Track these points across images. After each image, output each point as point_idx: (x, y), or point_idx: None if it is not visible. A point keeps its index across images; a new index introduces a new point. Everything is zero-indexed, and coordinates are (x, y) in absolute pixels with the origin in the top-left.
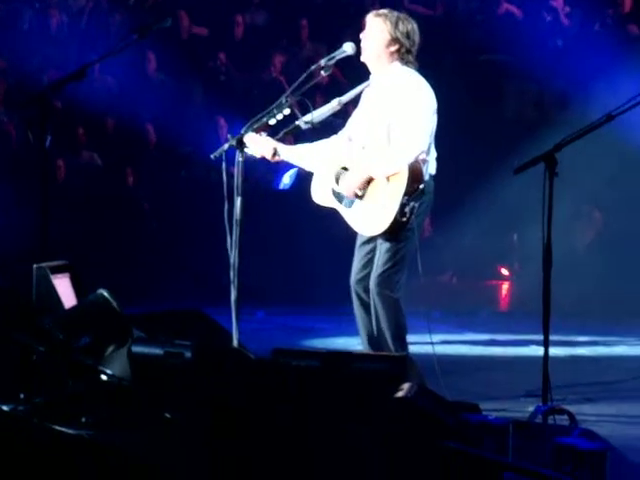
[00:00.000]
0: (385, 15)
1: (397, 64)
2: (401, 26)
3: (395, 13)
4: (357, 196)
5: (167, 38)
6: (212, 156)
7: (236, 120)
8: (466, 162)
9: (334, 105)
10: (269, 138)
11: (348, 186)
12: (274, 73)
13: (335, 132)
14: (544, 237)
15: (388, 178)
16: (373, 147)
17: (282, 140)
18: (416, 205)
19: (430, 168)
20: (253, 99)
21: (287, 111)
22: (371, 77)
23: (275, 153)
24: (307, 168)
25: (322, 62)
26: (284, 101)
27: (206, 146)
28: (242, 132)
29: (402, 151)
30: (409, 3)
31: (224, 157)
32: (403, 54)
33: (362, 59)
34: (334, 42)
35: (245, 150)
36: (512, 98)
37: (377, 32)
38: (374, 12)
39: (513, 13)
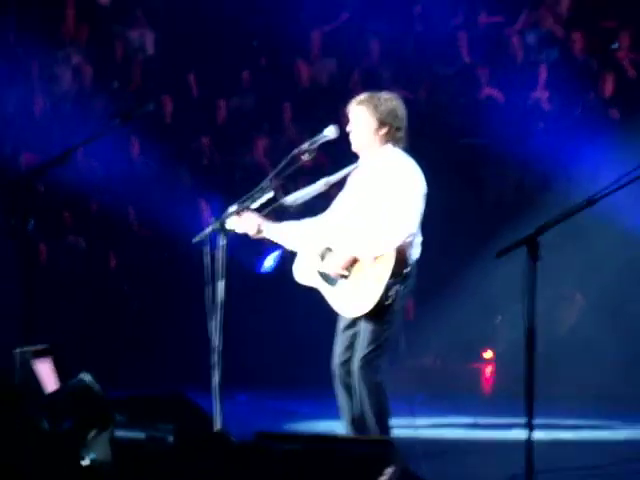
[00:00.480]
0: (367, 101)
1: (389, 146)
2: (385, 107)
3: (376, 95)
4: (342, 276)
5: (151, 122)
6: (194, 240)
7: (219, 203)
8: (448, 246)
9: (320, 186)
10: (253, 214)
11: (333, 265)
12: (257, 156)
13: (318, 213)
14: (526, 320)
15: (374, 259)
16: (360, 228)
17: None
18: (400, 288)
19: (415, 252)
20: (236, 182)
21: (270, 195)
22: (360, 159)
23: (259, 230)
24: (290, 247)
25: (304, 146)
26: (267, 185)
27: (189, 229)
28: (225, 215)
29: (392, 233)
30: (391, 85)
31: (207, 240)
32: (393, 134)
33: (354, 149)
34: (318, 125)
35: (227, 226)
36: (493, 181)
37: (363, 121)
38: (355, 100)
39: (494, 97)
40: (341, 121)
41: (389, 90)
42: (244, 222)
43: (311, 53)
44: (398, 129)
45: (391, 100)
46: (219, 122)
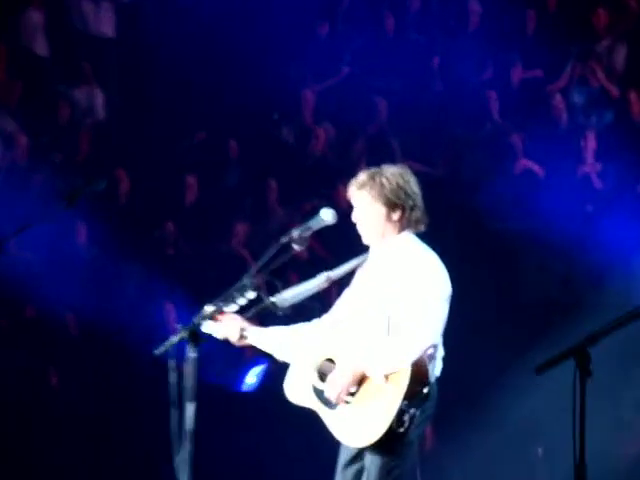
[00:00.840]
0: (368, 183)
1: (406, 234)
2: (392, 185)
3: (379, 172)
4: (346, 400)
5: (101, 204)
6: (156, 352)
7: (187, 305)
8: (476, 358)
9: (319, 283)
10: (236, 315)
11: (335, 385)
12: (235, 245)
13: (314, 316)
14: (575, 452)
15: (386, 377)
16: (369, 337)
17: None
18: (417, 412)
19: (435, 368)
20: (209, 278)
21: (252, 295)
22: (371, 249)
23: (242, 335)
24: (280, 357)
25: (294, 233)
26: (248, 281)
27: (150, 338)
28: (194, 321)
29: (408, 344)
30: (402, 156)
31: (173, 352)
32: (409, 216)
33: (365, 242)
34: (311, 207)
35: (203, 329)
36: (532, 277)
37: (369, 208)
38: (355, 184)
39: (533, 171)
40: (341, 201)
41: (400, 162)
42: (224, 326)
43: (304, 117)
44: (413, 208)
45: (399, 175)
46: (188, 203)
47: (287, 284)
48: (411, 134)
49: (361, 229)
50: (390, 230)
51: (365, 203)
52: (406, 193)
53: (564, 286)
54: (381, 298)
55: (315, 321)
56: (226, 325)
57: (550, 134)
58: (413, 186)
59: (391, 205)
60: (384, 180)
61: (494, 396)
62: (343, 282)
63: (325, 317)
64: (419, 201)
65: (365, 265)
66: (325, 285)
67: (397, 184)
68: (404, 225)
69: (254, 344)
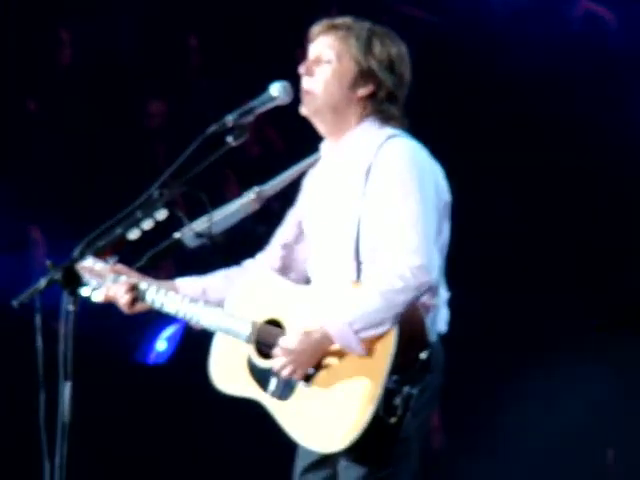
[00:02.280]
0: (348, 27)
1: (369, 123)
2: (379, 48)
3: (370, 25)
4: (304, 378)
5: None
6: (15, 303)
7: (64, 232)
8: (502, 301)
9: (248, 200)
10: (124, 267)
11: (288, 357)
12: (148, 131)
13: (254, 251)
14: None
15: (361, 341)
16: (332, 283)
17: (149, 270)
18: (414, 392)
19: (439, 321)
20: (100, 188)
21: (163, 214)
22: (322, 146)
23: (136, 296)
24: (200, 323)
25: (229, 118)
26: (157, 195)
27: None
28: (74, 256)
29: (390, 283)
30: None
31: (39, 303)
32: (382, 102)
33: (304, 113)
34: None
35: (80, 291)
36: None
37: (334, 61)
38: (326, 22)
39: (599, 14)
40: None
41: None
42: (111, 288)
43: None
44: (391, 97)
45: (393, 42)
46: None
47: (219, 196)
48: None
49: (308, 89)
50: (348, 109)
51: (331, 53)
52: (392, 68)
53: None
54: (346, 220)
55: (247, 263)
56: (106, 278)
57: None
58: (403, 67)
59: (364, 72)
60: (375, 38)
61: (528, 369)
62: (286, 199)
63: (261, 256)
64: (403, 92)
65: (316, 172)
66: (256, 206)
67: (385, 50)
68: (369, 111)
69: (156, 307)
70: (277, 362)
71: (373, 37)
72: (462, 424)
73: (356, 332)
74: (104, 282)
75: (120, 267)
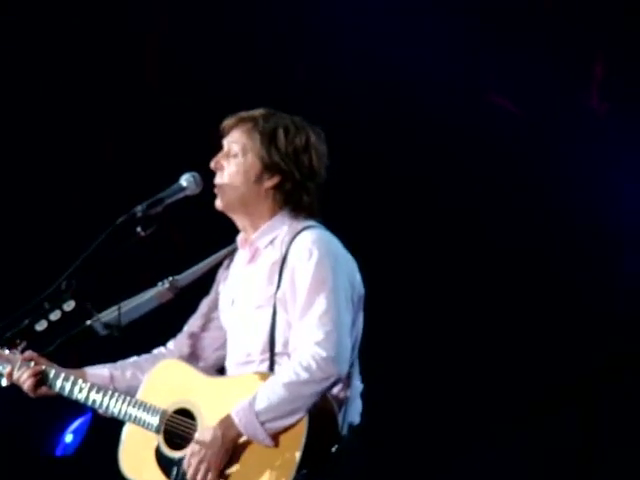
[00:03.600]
0: (255, 119)
1: (282, 215)
2: (283, 140)
3: (277, 114)
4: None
5: None
6: None
7: None
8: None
9: (163, 290)
10: (33, 354)
11: (203, 458)
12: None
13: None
14: None
15: (274, 436)
16: (244, 371)
17: (59, 356)
18: None
19: (351, 413)
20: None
21: (70, 305)
22: (238, 238)
23: (42, 380)
24: (107, 411)
25: (138, 209)
26: (65, 286)
27: None
28: None
29: (296, 374)
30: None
31: None
32: (291, 193)
33: (217, 207)
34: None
35: None
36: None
37: (239, 155)
38: (236, 116)
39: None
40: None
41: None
42: (17, 370)
43: None
44: (300, 188)
45: (305, 134)
46: None
47: (122, 293)
48: None
49: (217, 186)
50: (256, 203)
51: (237, 146)
52: (298, 160)
53: None
54: (261, 311)
55: (157, 351)
56: (15, 364)
57: None
58: (316, 157)
59: (269, 166)
60: (279, 130)
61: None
62: (199, 289)
63: (171, 344)
64: (313, 184)
65: (232, 263)
66: (170, 295)
67: (294, 144)
68: (279, 204)
69: (64, 393)
70: (191, 460)
71: (277, 130)
72: None
73: (262, 423)
74: (13, 367)
75: (29, 354)
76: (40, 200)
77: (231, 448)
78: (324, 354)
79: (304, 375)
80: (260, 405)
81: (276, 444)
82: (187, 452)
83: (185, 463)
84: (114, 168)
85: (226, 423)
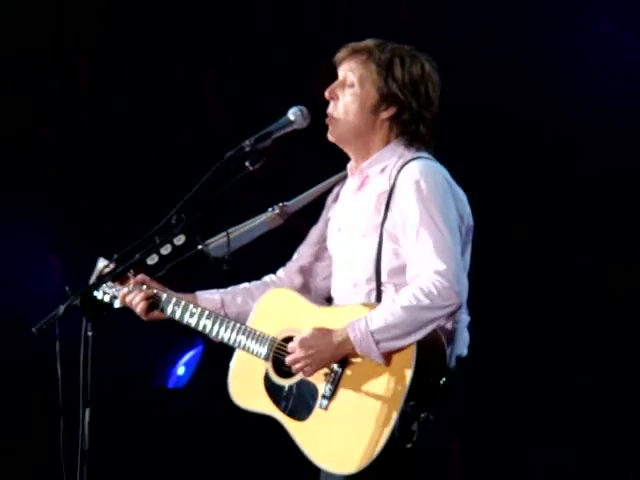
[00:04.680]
0: (369, 51)
1: (394, 145)
2: (400, 70)
3: (390, 45)
4: (324, 394)
5: None
6: (34, 329)
7: (82, 257)
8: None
9: (272, 217)
10: (146, 277)
11: (301, 355)
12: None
13: (268, 269)
14: None
15: (387, 358)
16: (354, 299)
17: (170, 280)
18: (431, 418)
19: (459, 345)
20: (120, 206)
21: (181, 239)
22: (349, 166)
23: (154, 303)
24: (218, 337)
25: (247, 143)
26: (174, 220)
27: (25, 308)
28: (93, 281)
29: (416, 298)
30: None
31: (57, 330)
32: (407, 124)
33: (330, 139)
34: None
35: (99, 298)
36: None
37: (356, 85)
38: (349, 46)
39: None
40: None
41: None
42: (130, 293)
43: None
44: (417, 119)
45: (420, 64)
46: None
47: (234, 221)
48: None
49: (332, 114)
50: (371, 133)
51: (353, 78)
52: (416, 89)
53: None
54: (368, 240)
55: (267, 278)
56: (132, 292)
57: None
58: (432, 88)
59: (386, 96)
60: (395, 60)
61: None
62: (309, 216)
63: (281, 272)
64: (430, 112)
65: (341, 190)
66: (280, 221)
67: (410, 74)
68: (395, 133)
69: (176, 318)
70: (291, 357)
71: (394, 60)
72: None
73: (377, 342)
74: (127, 290)
75: (142, 277)
76: (152, 135)
77: (337, 357)
78: (446, 283)
79: (425, 301)
80: (377, 324)
81: (384, 373)
82: (295, 343)
83: (290, 349)
84: (218, 102)
85: (342, 335)
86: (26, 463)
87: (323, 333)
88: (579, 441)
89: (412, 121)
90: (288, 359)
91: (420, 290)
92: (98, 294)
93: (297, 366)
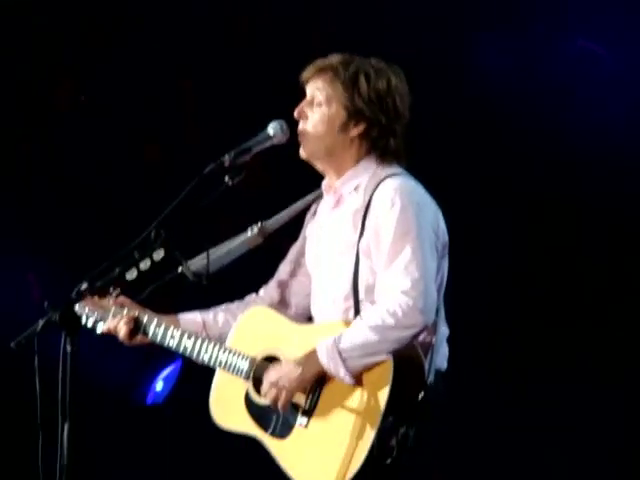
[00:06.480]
0: (335, 68)
1: (367, 161)
2: (365, 86)
3: (357, 59)
4: (303, 411)
5: None
6: (13, 344)
7: (60, 273)
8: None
9: (252, 236)
10: (127, 299)
11: (278, 382)
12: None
13: (248, 289)
14: None
15: (360, 376)
16: (330, 316)
17: (150, 303)
18: (410, 433)
19: (438, 359)
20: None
21: (160, 254)
22: (323, 184)
23: (136, 327)
24: (200, 360)
25: (226, 158)
26: (154, 235)
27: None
28: (72, 296)
29: (381, 319)
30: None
31: (36, 345)
32: (377, 139)
33: (303, 156)
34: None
35: (80, 315)
36: None
37: (323, 105)
38: (315, 65)
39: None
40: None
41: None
42: (113, 318)
43: None
44: (386, 133)
45: (387, 76)
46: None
47: (213, 238)
48: None
49: (302, 132)
50: (341, 151)
51: (320, 95)
52: (382, 103)
53: None
54: (345, 258)
55: (249, 298)
56: (109, 311)
57: None
58: (399, 99)
59: (354, 114)
60: (360, 76)
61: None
62: (288, 235)
63: (263, 291)
64: (399, 126)
65: (319, 207)
66: (259, 240)
67: (376, 89)
68: (365, 151)
69: (157, 341)
70: (267, 388)
71: (359, 76)
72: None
73: (344, 360)
74: (107, 314)
75: (122, 299)
76: (127, 152)
77: (309, 379)
78: (410, 302)
79: (390, 320)
80: (344, 344)
81: (362, 390)
82: (265, 379)
83: (263, 389)
84: (198, 118)
85: (309, 357)
86: (5, 478)
87: (288, 363)
88: (564, 460)
89: (382, 136)
90: (267, 400)
91: (385, 310)
92: (82, 319)
93: (279, 404)
